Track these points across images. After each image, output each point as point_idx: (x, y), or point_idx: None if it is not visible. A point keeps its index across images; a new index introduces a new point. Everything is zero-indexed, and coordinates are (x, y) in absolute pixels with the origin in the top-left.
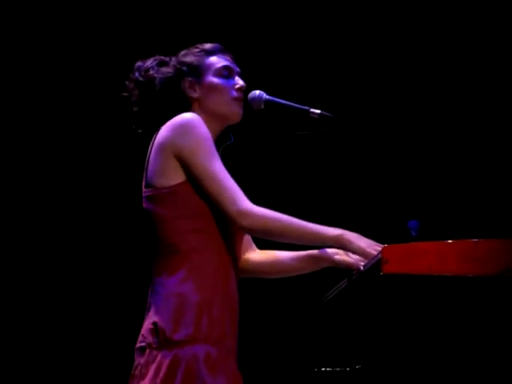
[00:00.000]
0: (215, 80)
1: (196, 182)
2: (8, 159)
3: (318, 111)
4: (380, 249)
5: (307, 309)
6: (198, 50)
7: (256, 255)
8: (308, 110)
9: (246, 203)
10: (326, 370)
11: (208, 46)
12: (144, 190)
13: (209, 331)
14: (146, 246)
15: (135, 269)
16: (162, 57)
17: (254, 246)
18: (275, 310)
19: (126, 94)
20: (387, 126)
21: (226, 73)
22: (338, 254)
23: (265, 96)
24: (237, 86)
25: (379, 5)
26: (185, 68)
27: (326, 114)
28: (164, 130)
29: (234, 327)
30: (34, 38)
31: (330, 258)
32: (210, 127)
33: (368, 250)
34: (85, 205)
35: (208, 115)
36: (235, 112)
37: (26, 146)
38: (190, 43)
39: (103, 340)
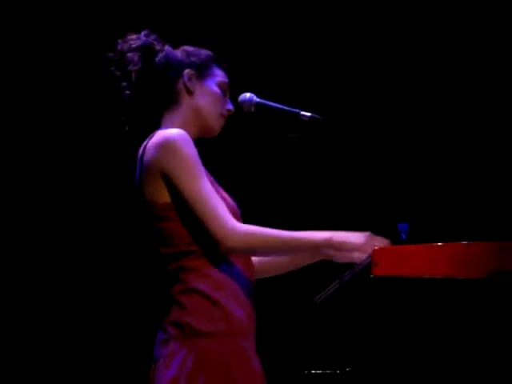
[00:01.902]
0: (215, 89)
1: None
2: (8, 159)
3: (309, 114)
4: (374, 241)
5: (297, 311)
6: (208, 53)
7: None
8: (298, 113)
9: (230, 226)
10: (316, 373)
11: (216, 56)
12: (143, 205)
13: (235, 326)
14: (152, 254)
15: (135, 269)
16: None
17: None
18: (265, 311)
19: (112, 54)
20: (377, 129)
21: (225, 89)
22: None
23: (255, 99)
24: (228, 108)
25: (370, 6)
26: (194, 59)
27: (317, 116)
28: (150, 151)
29: (254, 324)
30: (33, 38)
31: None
32: (191, 127)
33: (365, 246)
34: (85, 205)
35: (193, 113)
36: (217, 127)
37: (25, 146)
38: (181, 44)
39: (103, 341)
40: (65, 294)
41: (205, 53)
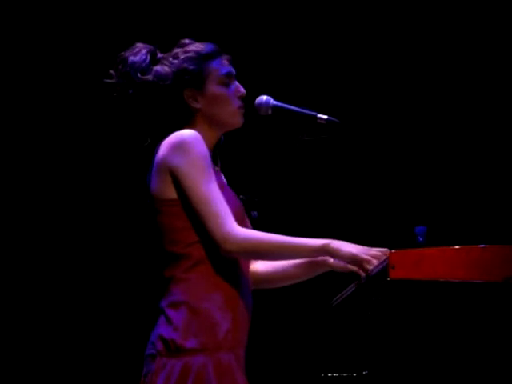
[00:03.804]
0: (218, 90)
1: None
2: (8, 159)
3: (326, 117)
4: (371, 252)
5: (314, 314)
6: (195, 54)
7: (261, 265)
8: (315, 116)
9: (229, 228)
10: (332, 376)
11: (205, 48)
12: (149, 201)
13: (220, 339)
14: (154, 253)
15: (140, 274)
16: (148, 47)
17: None
18: (282, 314)
19: (109, 80)
20: (394, 132)
21: (227, 80)
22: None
23: (272, 101)
24: (239, 95)
25: (385, 10)
26: (186, 77)
27: (334, 119)
28: (162, 148)
29: (244, 337)
30: (33, 38)
31: (327, 262)
32: (210, 136)
33: (359, 255)
34: (87, 207)
35: (210, 125)
36: (238, 121)
37: (27, 148)
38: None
39: (107, 346)
40: (64, 295)
41: (191, 58)
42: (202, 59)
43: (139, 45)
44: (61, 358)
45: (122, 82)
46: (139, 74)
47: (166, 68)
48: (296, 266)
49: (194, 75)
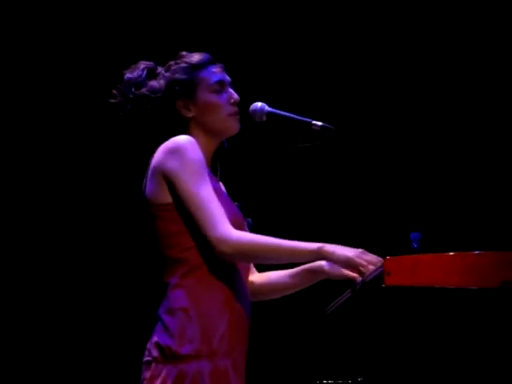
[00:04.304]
0: (209, 97)
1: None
2: (8, 160)
3: (320, 123)
4: (366, 257)
5: (309, 321)
6: (186, 64)
7: (256, 278)
8: (310, 122)
9: (223, 230)
10: (327, 383)
11: (196, 58)
12: (144, 206)
13: (215, 345)
14: (152, 259)
15: (140, 280)
16: (148, 64)
17: (253, 269)
18: (277, 321)
19: (113, 100)
20: (389, 138)
21: (218, 88)
22: (329, 265)
23: (266, 108)
24: (232, 101)
25: (381, 15)
26: (176, 88)
27: (328, 126)
28: (157, 154)
29: (242, 343)
30: (33, 39)
31: (322, 270)
32: (207, 144)
33: (354, 259)
34: (86, 214)
35: (206, 133)
36: (233, 127)
37: (29, 153)
38: (187, 50)
39: (106, 353)
40: (63, 301)
41: (182, 68)
42: (192, 69)
43: (140, 62)
44: (59, 365)
45: (121, 101)
46: (133, 89)
47: (161, 81)
48: (291, 276)
49: (184, 85)
